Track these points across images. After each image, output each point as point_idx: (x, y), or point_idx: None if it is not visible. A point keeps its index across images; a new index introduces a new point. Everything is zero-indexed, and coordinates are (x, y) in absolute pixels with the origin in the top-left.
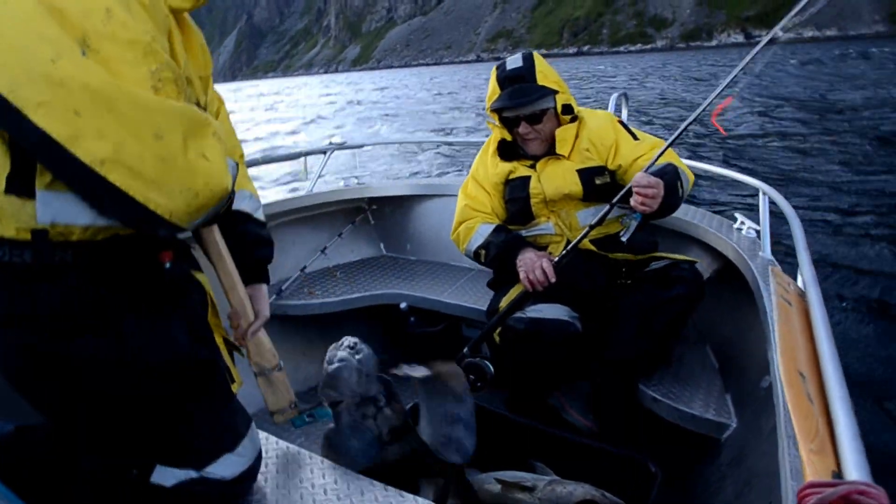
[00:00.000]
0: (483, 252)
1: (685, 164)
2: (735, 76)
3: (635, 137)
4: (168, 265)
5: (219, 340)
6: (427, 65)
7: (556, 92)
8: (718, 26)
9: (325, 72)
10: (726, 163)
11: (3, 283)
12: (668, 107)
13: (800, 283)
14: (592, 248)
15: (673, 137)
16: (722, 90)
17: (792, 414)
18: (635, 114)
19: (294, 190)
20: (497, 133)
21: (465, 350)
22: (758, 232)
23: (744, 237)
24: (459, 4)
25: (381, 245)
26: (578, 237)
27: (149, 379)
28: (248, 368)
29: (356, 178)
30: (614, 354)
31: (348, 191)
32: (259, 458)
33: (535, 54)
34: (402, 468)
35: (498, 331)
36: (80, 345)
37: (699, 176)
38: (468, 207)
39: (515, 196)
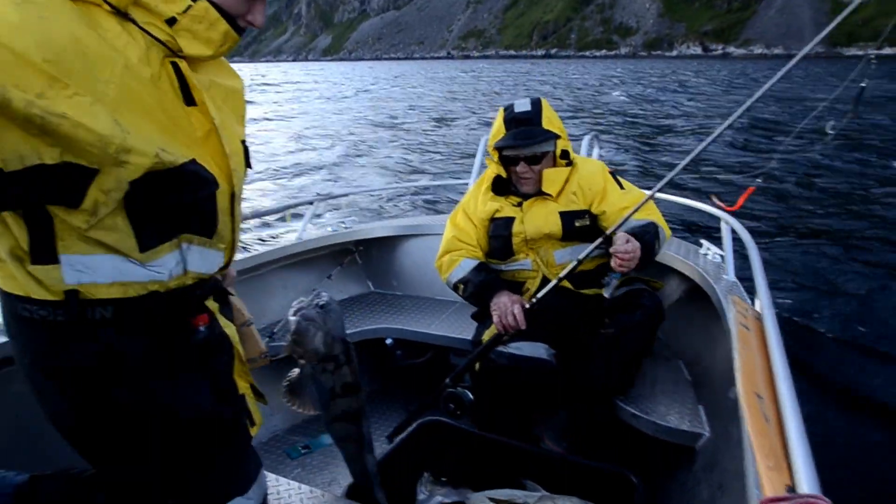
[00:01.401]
0: (462, 286)
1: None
2: (719, 134)
3: (622, 187)
4: (202, 328)
5: (244, 387)
6: (398, 59)
7: (558, 137)
8: (679, 38)
9: (295, 59)
10: (693, 190)
11: (41, 338)
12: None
13: (757, 307)
14: (568, 285)
15: (653, 191)
16: (702, 148)
17: (750, 433)
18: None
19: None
20: (493, 169)
21: (447, 380)
22: (722, 256)
23: (709, 261)
24: (433, 2)
25: (369, 283)
26: (551, 284)
27: (175, 433)
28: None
29: (342, 222)
30: (592, 384)
31: (336, 235)
32: (266, 500)
33: (543, 100)
34: (346, 419)
35: (479, 364)
36: (113, 395)
37: (668, 208)
38: (455, 238)
39: (498, 234)
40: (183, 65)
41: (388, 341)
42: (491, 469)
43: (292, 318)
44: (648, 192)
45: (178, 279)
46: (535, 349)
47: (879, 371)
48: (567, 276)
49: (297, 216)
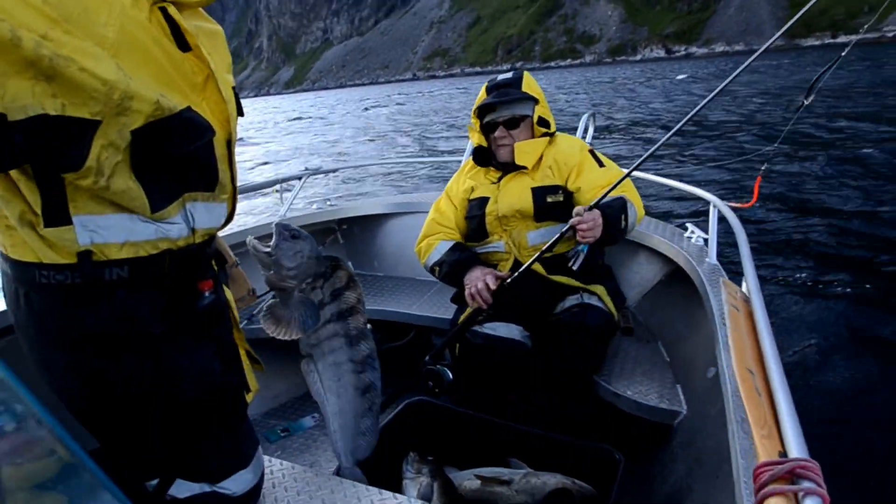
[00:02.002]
0: (437, 268)
1: (640, 200)
2: (689, 119)
3: (601, 165)
4: (207, 294)
5: (241, 353)
6: (363, 84)
7: (536, 101)
8: (642, 42)
9: (256, 95)
10: (679, 176)
11: (56, 305)
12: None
13: (744, 289)
14: (541, 269)
15: (631, 168)
16: (677, 129)
17: (745, 405)
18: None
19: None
20: (475, 139)
21: (427, 358)
22: (706, 240)
23: (693, 245)
24: (396, 25)
25: (350, 264)
26: (527, 263)
27: (183, 400)
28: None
29: (328, 199)
30: (566, 368)
31: (320, 213)
32: (263, 476)
33: (526, 73)
34: (340, 318)
35: (458, 344)
36: (123, 364)
37: (651, 194)
38: (434, 222)
39: (473, 214)
40: (171, 9)
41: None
42: (476, 447)
43: (264, 249)
44: (644, 174)
45: (185, 239)
46: (510, 330)
47: (860, 350)
48: (540, 261)
49: (287, 191)
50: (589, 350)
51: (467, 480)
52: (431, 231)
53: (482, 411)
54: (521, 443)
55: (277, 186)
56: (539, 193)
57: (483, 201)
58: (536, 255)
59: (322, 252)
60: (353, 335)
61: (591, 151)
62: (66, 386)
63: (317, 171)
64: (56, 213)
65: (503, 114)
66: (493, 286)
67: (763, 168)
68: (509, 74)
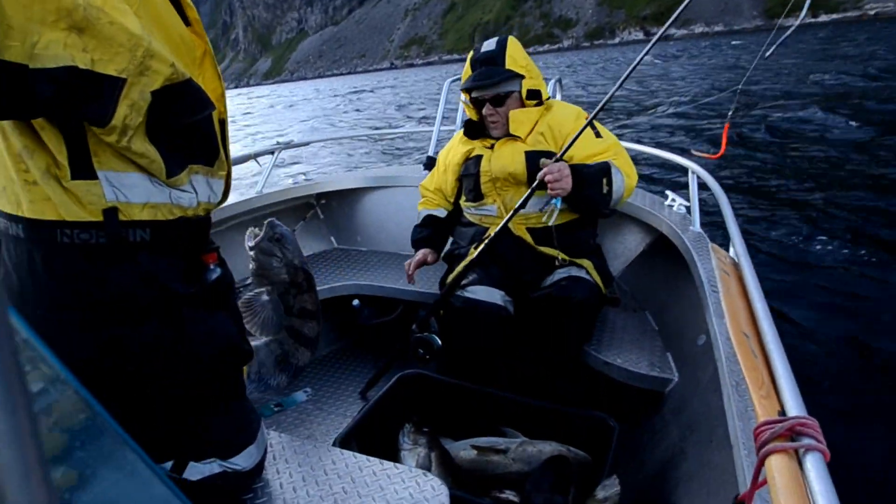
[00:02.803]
0: (415, 248)
1: (633, 167)
2: (633, 69)
3: (598, 135)
4: (212, 266)
5: None
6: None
7: (522, 77)
8: (619, 25)
9: (236, 86)
10: (657, 143)
11: (78, 266)
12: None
13: (732, 253)
14: (528, 238)
15: (589, 119)
16: (622, 81)
17: (742, 368)
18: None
19: (243, 192)
20: (469, 112)
21: (414, 327)
22: (687, 208)
23: (675, 213)
24: (371, 14)
25: (332, 239)
26: (501, 223)
27: (198, 366)
28: None
29: (304, 174)
30: (555, 341)
31: (297, 189)
32: (266, 450)
33: (511, 39)
34: (294, 337)
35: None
36: (144, 331)
37: (635, 156)
38: (422, 186)
39: (469, 172)
40: None
41: (355, 303)
42: (470, 418)
43: (251, 252)
44: (623, 142)
45: (194, 209)
46: (490, 294)
47: (849, 306)
48: (529, 231)
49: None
50: (577, 323)
51: (463, 450)
52: (421, 195)
53: (471, 379)
54: (515, 412)
55: (251, 162)
56: (532, 157)
57: (478, 159)
58: (510, 213)
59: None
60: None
61: (590, 121)
62: (79, 352)
63: (289, 145)
64: (82, 165)
65: (488, 92)
66: (410, 269)
67: (730, 115)
68: (493, 45)
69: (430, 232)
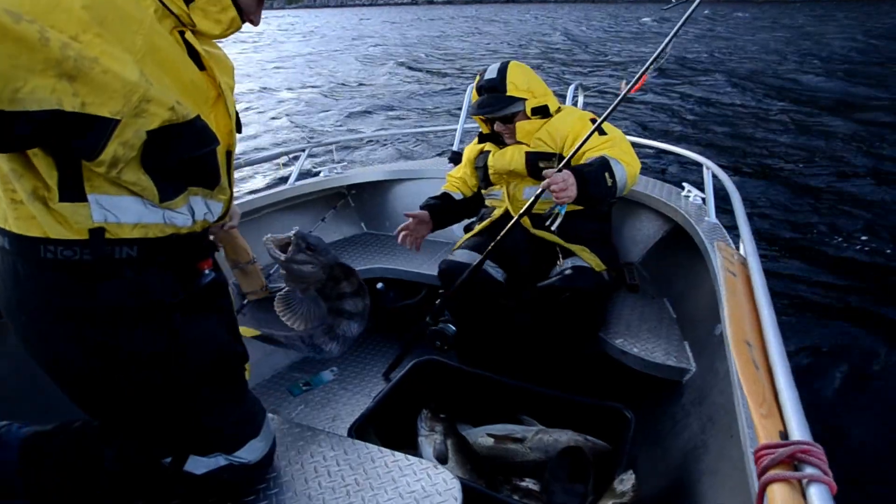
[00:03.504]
0: None
1: (633, 154)
2: (660, 53)
3: (602, 132)
4: (207, 272)
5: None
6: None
7: (524, 100)
8: None
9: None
10: (674, 137)
11: (62, 280)
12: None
13: (742, 251)
14: (527, 222)
15: (599, 122)
16: (648, 66)
17: (742, 381)
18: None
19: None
20: (480, 126)
21: (428, 319)
22: (704, 199)
23: (691, 203)
24: None
25: (362, 224)
26: (513, 220)
27: (190, 371)
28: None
29: (335, 165)
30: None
31: (329, 180)
32: (275, 442)
33: (512, 64)
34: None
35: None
36: (134, 338)
37: (647, 152)
38: (448, 175)
39: (479, 165)
40: (189, 34)
41: (379, 286)
42: (487, 405)
43: (280, 256)
44: (630, 138)
45: (189, 228)
46: (473, 258)
47: (860, 317)
48: (527, 214)
49: (294, 159)
50: (583, 311)
51: (480, 438)
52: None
53: (484, 360)
54: (531, 401)
55: (282, 159)
56: (532, 157)
57: (487, 154)
58: (517, 215)
59: (335, 256)
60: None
61: (594, 120)
62: (67, 359)
63: (319, 143)
64: (72, 189)
65: (496, 115)
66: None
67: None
68: (494, 73)
69: (437, 202)
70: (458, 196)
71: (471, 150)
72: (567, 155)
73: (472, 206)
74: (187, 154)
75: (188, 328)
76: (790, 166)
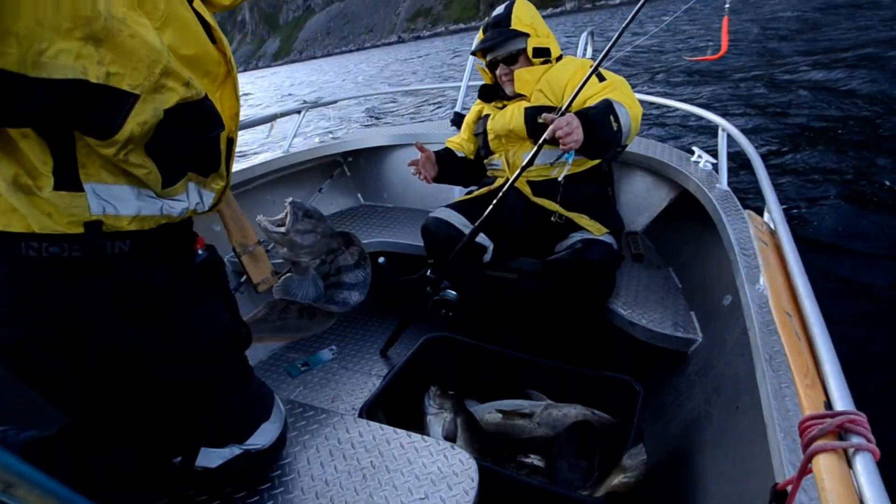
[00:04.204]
0: None
1: (635, 98)
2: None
3: (602, 79)
4: (200, 252)
5: None
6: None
7: (527, 35)
8: None
9: (245, 69)
10: (686, 98)
11: (52, 278)
12: None
13: (766, 219)
14: (527, 190)
15: (595, 64)
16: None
17: (787, 352)
18: None
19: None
20: (485, 77)
21: (428, 289)
22: (714, 165)
23: (701, 170)
24: None
25: (359, 195)
26: (512, 178)
27: (195, 359)
28: None
29: (331, 133)
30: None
31: (324, 147)
32: (286, 423)
33: (519, 0)
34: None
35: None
36: (131, 333)
37: (653, 112)
38: (448, 141)
39: (479, 131)
40: (197, 3)
41: (381, 260)
42: (495, 380)
43: (284, 236)
44: (648, 96)
45: (179, 217)
46: (451, 216)
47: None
48: (532, 180)
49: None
50: (595, 283)
51: (488, 413)
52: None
53: (485, 326)
54: (539, 375)
55: (276, 122)
56: (530, 113)
57: (486, 119)
58: (518, 171)
59: (332, 231)
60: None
61: (596, 68)
62: (56, 366)
63: (316, 104)
64: (68, 176)
65: (500, 52)
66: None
67: (728, 6)
68: (501, 9)
69: (441, 152)
70: (459, 154)
71: (470, 116)
72: (574, 108)
73: (473, 168)
74: (196, 137)
75: (188, 315)
76: (810, 124)
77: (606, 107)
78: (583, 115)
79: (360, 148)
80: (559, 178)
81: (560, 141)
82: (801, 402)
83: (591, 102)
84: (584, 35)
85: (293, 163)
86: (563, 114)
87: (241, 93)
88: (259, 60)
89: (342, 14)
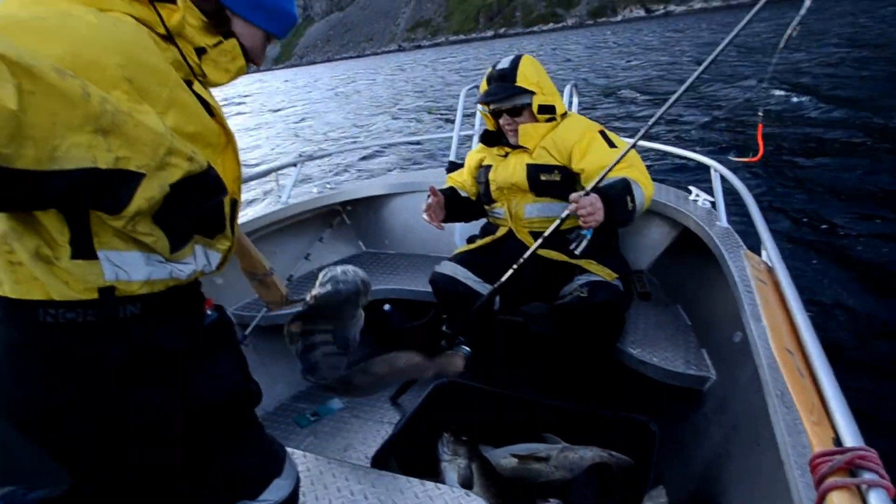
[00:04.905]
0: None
1: (648, 176)
2: (698, 75)
3: (612, 146)
4: (209, 312)
5: None
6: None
7: (532, 93)
8: (621, 3)
9: (247, 72)
10: (678, 139)
11: (67, 343)
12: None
13: (765, 257)
14: (530, 241)
15: (629, 146)
16: (682, 91)
17: (790, 390)
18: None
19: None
20: (488, 123)
21: (443, 343)
22: (712, 203)
23: (700, 208)
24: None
25: (361, 243)
26: (531, 249)
27: (206, 418)
28: None
29: (328, 184)
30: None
31: (323, 197)
32: (298, 479)
33: (525, 57)
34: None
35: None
36: (143, 394)
37: (648, 155)
38: (450, 177)
39: (481, 180)
40: (197, 85)
41: (386, 307)
42: (508, 425)
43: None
44: (640, 140)
45: (187, 279)
46: (455, 270)
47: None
48: (534, 231)
49: (284, 176)
50: (602, 325)
51: (504, 459)
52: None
53: (505, 382)
54: (553, 418)
55: (273, 175)
56: (533, 170)
57: (488, 168)
58: (538, 241)
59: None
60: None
61: (602, 132)
62: (74, 427)
63: (311, 157)
64: (84, 246)
65: (504, 104)
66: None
67: (761, 114)
68: (507, 63)
69: (448, 192)
70: (463, 193)
71: (472, 157)
72: (576, 168)
73: (476, 207)
74: (201, 206)
75: (199, 375)
76: (799, 160)
77: (624, 187)
78: (603, 195)
79: (358, 197)
80: (577, 252)
81: (581, 220)
82: (809, 439)
83: (601, 166)
84: (567, 87)
85: (293, 214)
86: (587, 193)
87: (242, 93)
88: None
89: (342, 23)
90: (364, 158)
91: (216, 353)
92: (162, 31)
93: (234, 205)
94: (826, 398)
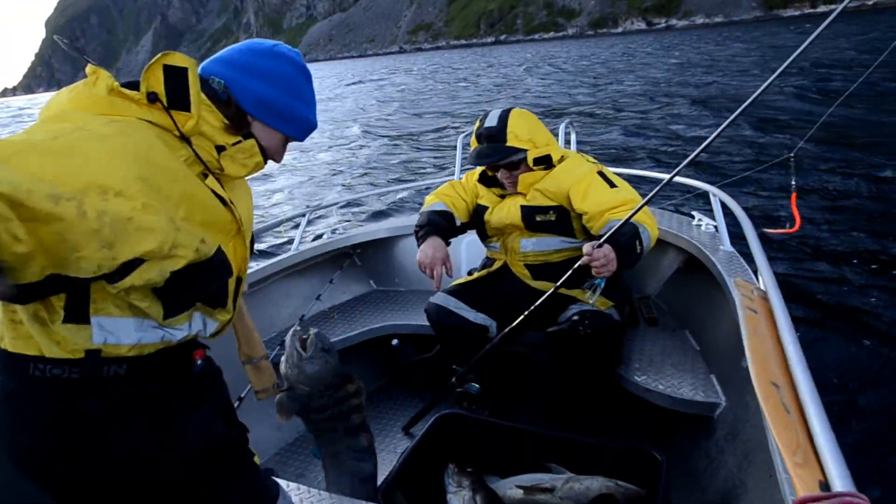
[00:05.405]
0: (417, 229)
1: (654, 218)
2: (732, 120)
3: (612, 185)
4: (199, 361)
5: None
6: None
7: (525, 150)
8: (622, 15)
9: None
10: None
11: (50, 395)
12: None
13: (761, 284)
14: (525, 272)
15: (646, 199)
16: (714, 137)
17: (772, 426)
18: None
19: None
20: (487, 169)
21: (453, 380)
22: (715, 227)
23: (703, 233)
24: (377, 1)
25: (371, 282)
26: (540, 300)
27: (190, 464)
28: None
29: (336, 229)
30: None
31: (333, 242)
32: None
33: (513, 113)
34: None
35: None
36: (125, 443)
37: (646, 193)
38: (442, 190)
39: (477, 219)
40: (211, 179)
41: (395, 342)
42: (513, 455)
43: (300, 352)
44: (631, 171)
45: (179, 341)
46: (450, 303)
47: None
48: (529, 263)
49: (295, 227)
50: (596, 352)
51: (509, 490)
52: (439, 192)
53: (512, 413)
54: (558, 448)
55: (283, 227)
56: (528, 211)
57: (484, 209)
58: (549, 291)
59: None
60: (352, 427)
61: (601, 172)
62: (56, 470)
63: (318, 207)
64: (77, 312)
65: (500, 163)
66: (448, 272)
67: (793, 185)
68: (495, 121)
69: (444, 223)
70: (458, 222)
71: (470, 179)
72: (578, 210)
73: (469, 227)
74: (203, 290)
75: (182, 423)
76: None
77: (633, 234)
78: (614, 241)
79: (369, 240)
80: (591, 301)
81: (594, 271)
82: (792, 482)
83: (602, 205)
84: (562, 126)
85: (304, 259)
86: (600, 245)
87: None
88: None
89: (344, 23)
90: (368, 204)
91: (200, 401)
92: (177, 133)
93: (239, 282)
94: (814, 435)
